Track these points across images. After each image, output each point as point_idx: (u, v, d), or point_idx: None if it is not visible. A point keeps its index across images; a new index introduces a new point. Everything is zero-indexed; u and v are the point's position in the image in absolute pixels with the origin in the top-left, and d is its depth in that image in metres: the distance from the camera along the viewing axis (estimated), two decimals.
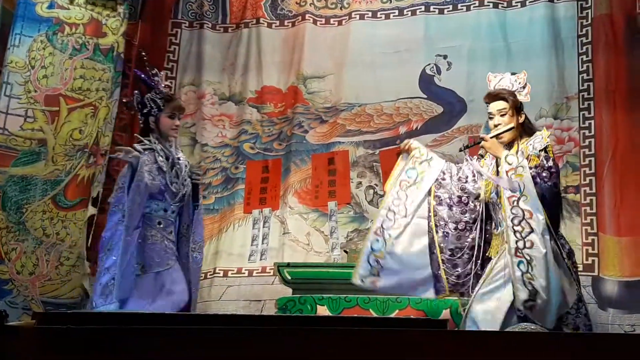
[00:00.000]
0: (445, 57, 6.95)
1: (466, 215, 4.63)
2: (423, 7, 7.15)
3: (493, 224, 4.58)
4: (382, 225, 4.59)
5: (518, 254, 4.20)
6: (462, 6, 7.05)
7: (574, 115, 6.53)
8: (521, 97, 4.69)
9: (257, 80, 7.32)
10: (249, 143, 7.20)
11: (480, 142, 4.60)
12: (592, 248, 6.18)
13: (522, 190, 4.26)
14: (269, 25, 7.46)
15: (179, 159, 4.90)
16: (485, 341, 2.43)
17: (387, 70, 7.01)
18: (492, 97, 4.68)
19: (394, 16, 7.23)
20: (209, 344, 2.34)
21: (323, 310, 5.74)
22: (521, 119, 4.65)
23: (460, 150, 4.87)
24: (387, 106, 7.01)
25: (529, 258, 4.18)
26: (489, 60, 6.81)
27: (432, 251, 4.57)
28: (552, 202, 4.36)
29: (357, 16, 7.28)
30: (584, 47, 6.61)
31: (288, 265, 6.01)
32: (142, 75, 5.00)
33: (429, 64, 6.96)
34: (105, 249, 4.57)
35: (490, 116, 4.65)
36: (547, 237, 4.22)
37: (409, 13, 7.20)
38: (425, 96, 6.91)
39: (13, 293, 6.22)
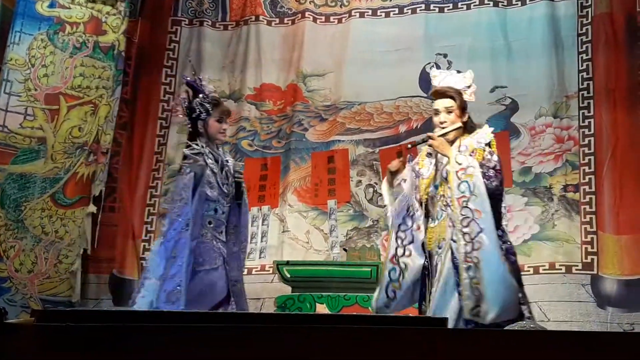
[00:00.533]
0: (445, 55, 6.95)
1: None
2: (423, 6, 7.15)
3: (429, 219, 4.49)
4: (396, 253, 4.52)
5: (467, 258, 4.14)
6: (462, 4, 7.04)
7: (573, 113, 6.52)
8: (466, 97, 4.56)
9: (256, 77, 7.32)
10: (247, 140, 7.20)
11: (428, 141, 4.49)
12: (592, 246, 6.18)
13: (472, 190, 4.20)
14: (269, 23, 7.46)
15: (227, 160, 4.92)
16: (484, 339, 2.43)
17: (387, 68, 7.01)
18: (440, 94, 4.57)
19: (394, 14, 7.22)
20: (208, 342, 2.34)
21: (322, 309, 5.74)
22: (465, 118, 4.55)
23: (408, 148, 4.78)
24: (387, 105, 7.01)
25: (477, 260, 4.11)
26: (489, 59, 6.81)
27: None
28: (495, 201, 4.29)
29: (357, 14, 7.28)
30: (584, 46, 6.60)
31: (287, 263, 6.01)
32: (190, 80, 5.02)
33: (429, 63, 6.94)
34: (169, 257, 4.56)
35: (436, 112, 4.54)
36: (495, 235, 4.16)
37: (409, 11, 7.19)
38: (425, 95, 6.90)
39: (12, 291, 6.22)
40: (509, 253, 4.29)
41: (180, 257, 4.58)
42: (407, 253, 4.51)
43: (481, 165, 4.28)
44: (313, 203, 6.95)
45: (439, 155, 4.48)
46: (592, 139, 6.40)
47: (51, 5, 6.67)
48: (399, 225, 4.56)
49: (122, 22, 6.85)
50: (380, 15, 7.26)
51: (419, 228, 4.51)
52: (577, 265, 6.18)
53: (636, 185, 6.14)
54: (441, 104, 4.51)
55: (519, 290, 4.28)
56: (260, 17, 7.46)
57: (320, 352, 2.29)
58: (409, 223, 4.55)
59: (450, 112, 4.49)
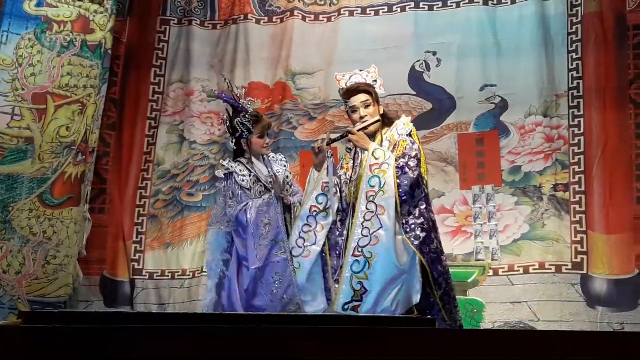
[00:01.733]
0: (434, 53, 6.94)
1: None
2: (412, 4, 7.13)
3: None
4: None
5: (356, 252, 4.20)
6: (451, 2, 7.03)
7: (563, 112, 6.52)
8: (377, 90, 4.68)
9: (244, 75, 7.30)
10: None
11: (347, 135, 4.56)
12: (581, 246, 6.18)
13: (381, 185, 4.27)
14: (257, 22, 7.44)
15: (277, 172, 5.04)
16: (473, 339, 2.42)
17: (376, 66, 6.98)
18: (352, 91, 4.63)
19: (383, 12, 7.21)
20: (196, 342, 2.33)
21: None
22: (381, 110, 4.66)
23: (328, 144, 4.65)
24: None
25: (369, 255, 4.17)
26: (478, 57, 6.81)
27: None
28: (417, 190, 4.36)
29: (346, 12, 7.27)
30: (574, 45, 6.60)
31: None
32: (229, 99, 5.12)
33: (418, 61, 6.94)
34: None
35: (354, 109, 4.60)
36: (392, 237, 4.22)
37: (398, 9, 7.18)
38: (414, 93, 6.89)
39: None
40: (431, 253, 4.30)
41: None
42: (305, 254, 4.58)
43: (403, 155, 4.37)
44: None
45: (359, 151, 4.55)
46: (581, 138, 6.40)
47: (38, 4, 6.62)
48: (302, 226, 4.63)
49: (109, 20, 6.81)
50: (370, 14, 7.25)
51: (322, 228, 4.58)
52: (567, 265, 6.18)
53: (626, 185, 6.14)
54: (356, 99, 4.58)
55: (431, 295, 4.27)
56: (249, 16, 7.44)
57: (308, 352, 2.28)
58: (313, 224, 4.62)
59: (368, 105, 4.57)
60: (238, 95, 5.12)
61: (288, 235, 4.81)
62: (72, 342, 2.34)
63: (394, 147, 4.47)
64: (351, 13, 7.27)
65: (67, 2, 6.71)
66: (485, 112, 6.71)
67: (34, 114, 6.47)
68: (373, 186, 4.27)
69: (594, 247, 6.13)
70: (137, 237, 7.05)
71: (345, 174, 4.64)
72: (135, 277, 6.92)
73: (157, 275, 6.93)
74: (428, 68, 6.92)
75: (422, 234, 4.32)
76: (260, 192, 4.97)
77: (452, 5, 7.02)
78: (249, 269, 4.77)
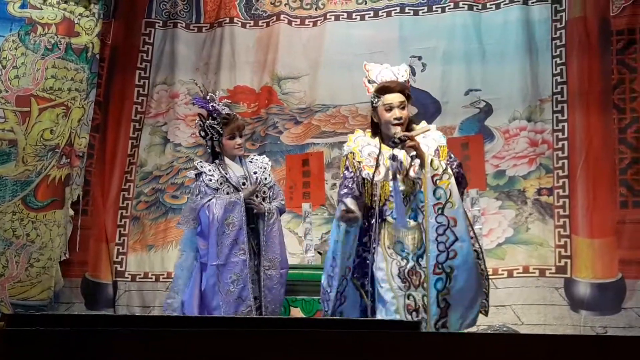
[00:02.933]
0: (419, 58, 6.95)
1: None
2: (398, 9, 7.15)
3: (383, 219, 4.25)
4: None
5: (437, 270, 3.98)
6: (437, 8, 7.05)
7: (547, 117, 6.55)
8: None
9: (230, 79, 7.29)
10: None
11: (406, 141, 4.09)
12: (565, 250, 6.21)
13: (447, 197, 4.01)
14: (243, 25, 7.43)
15: (254, 172, 5.10)
16: (457, 343, 2.42)
17: (362, 71, 6.98)
18: (389, 88, 4.29)
19: (369, 17, 7.22)
20: (181, 346, 2.32)
21: (296, 312, 5.72)
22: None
23: (393, 147, 4.16)
24: (362, 107, 6.99)
25: (449, 270, 3.97)
26: (463, 62, 6.83)
27: None
28: (463, 187, 4.24)
29: (332, 17, 7.27)
30: (558, 50, 6.63)
31: None
32: (202, 103, 5.18)
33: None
34: None
35: (390, 108, 4.23)
36: (469, 243, 4.04)
37: (384, 14, 7.19)
38: None
39: None
40: (478, 257, 4.21)
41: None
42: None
43: (453, 166, 4.14)
44: (288, 206, 6.88)
45: (382, 152, 4.24)
46: (565, 142, 6.43)
47: (22, 6, 6.60)
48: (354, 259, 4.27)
49: (96, 25, 6.79)
50: (356, 18, 7.25)
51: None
52: (551, 269, 6.21)
53: (609, 189, 6.17)
54: (395, 98, 4.26)
55: (484, 293, 4.19)
56: (235, 20, 7.43)
57: (294, 356, 2.27)
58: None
59: (404, 107, 4.26)
60: (210, 99, 5.15)
61: (259, 240, 4.96)
62: (55, 345, 2.32)
63: (435, 153, 4.19)
64: (337, 18, 7.27)
65: (52, 5, 6.68)
66: (470, 116, 6.74)
67: (18, 117, 6.44)
68: (439, 198, 4.00)
69: (578, 251, 6.16)
70: (119, 239, 7.02)
71: (367, 174, 4.25)
72: (117, 279, 6.90)
73: (139, 278, 6.90)
74: (413, 73, 6.92)
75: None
76: (228, 193, 4.99)
77: (437, 11, 7.04)
78: (208, 266, 4.85)
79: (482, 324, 6.07)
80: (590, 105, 6.36)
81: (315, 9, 7.38)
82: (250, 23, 7.45)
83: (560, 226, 6.28)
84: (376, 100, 4.32)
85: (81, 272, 6.86)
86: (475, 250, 4.19)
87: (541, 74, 6.64)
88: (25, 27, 6.59)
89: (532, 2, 6.78)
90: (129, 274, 6.93)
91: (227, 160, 5.11)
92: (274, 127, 7.13)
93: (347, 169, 4.38)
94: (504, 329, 5.94)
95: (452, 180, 4.03)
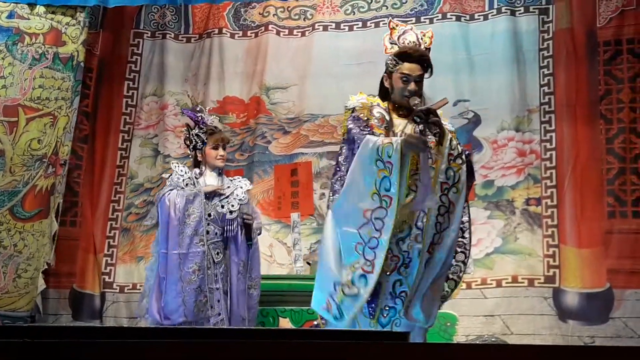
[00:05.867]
0: None
1: None
2: (386, 20, 7.14)
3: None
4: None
5: (431, 249, 3.73)
6: (425, 19, 7.07)
7: (535, 127, 6.58)
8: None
9: (219, 90, 7.29)
10: None
11: (429, 115, 3.76)
12: (554, 260, 6.22)
13: (455, 180, 3.72)
14: (232, 36, 7.43)
15: (227, 187, 5.16)
16: (446, 353, 2.42)
17: (351, 81, 6.97)
18: (410, 57, 3.96)
19: (357, 28, 7.23)
20: (169, 357, 2.31)
21: (285, 323, 5.71)
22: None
23: (418, 122, 3.81)
24: None
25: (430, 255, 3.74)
26: (451, 72, 6.83)
27: None
28: (470, 182, 3.94)
29: (321, 27, 7.28)
30: (545, 61, 6.66)
31: None
32: (188, 113, 5.33)
33: None
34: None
35: (406, 79, 3.95)
36: (455, 237, 3.81)
37: (372, 25, 7.20)
38: None
39: None
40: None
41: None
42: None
43: (468, 156, 3.89)
44: (276, 216, 6.93)
45: (395, 121, 3.95)
46: (553, 152, 6.46)
47: (10, 16, 6.58)
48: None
49: (82, 32, 6.77)
50: (344, 29, 7.27)
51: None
52: (540, 279, 6.22)
53: (597, 199, 6.20)
54: (414, 70, 3.97)
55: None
56: (224, 30, 7.43)
57: None
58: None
59: (419, 80, 3.98)
60: (199, 110, 5.28)
61: (247, 256, 5.13)
62: (44, 357, 2.31)
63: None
64: (325, 28, 7.28)
65: (40, 15, 6.67)
66: (458, 127, 6.72)
67: (5, 127, 6.42)
68: (448, 179, 3.70)
69: (566, 261, 6.17)
70: (108, 250, 6.99)
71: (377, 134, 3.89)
72: (105, 290, 6.86)
73: (128, 289, 6.86)
74: None
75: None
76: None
77: (425, 22, 7.05)
78: (169, 255, 4.93)
79: (472, 334, 6.10)
80: (578, 115, 6.40)
81: (304, 20, 7.39)
82: (239, 33, 7.45)
83: (548, 236, 6.30)
84: (393, 65, 4.02)
85: (69, 284, 6.83)
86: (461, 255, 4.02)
87: (529, 84, 6.67)
88: (12, 37, 6.58)
89: (520, 14, 6.81)
90: (117, 285, 6.90)
91: (206, 171, 5.21)
92: (262, 137, 7.13)
93: (356, 119, 4.00)
94: (493, 339, 5.95)
95: (464, 167, 3.77)
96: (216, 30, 7.43)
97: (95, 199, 7.06)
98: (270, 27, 7.33)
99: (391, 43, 4.13)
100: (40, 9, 6.66)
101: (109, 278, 6.93)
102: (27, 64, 6.56)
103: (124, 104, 7.32)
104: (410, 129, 3.91)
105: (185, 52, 7.48)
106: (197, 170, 5.19)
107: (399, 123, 3.99)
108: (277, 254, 6.75)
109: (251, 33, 7.43)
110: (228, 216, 5.06)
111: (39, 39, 6.63)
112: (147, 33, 7.50)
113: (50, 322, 6.58)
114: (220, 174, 5.26)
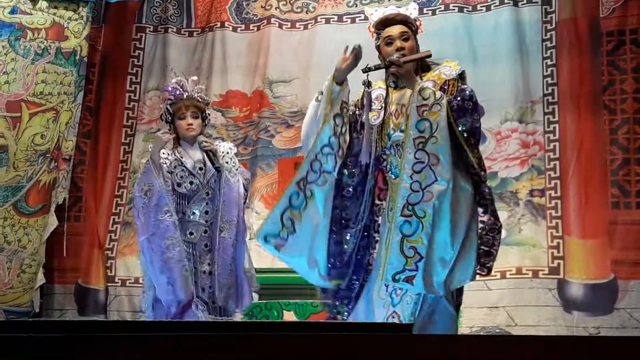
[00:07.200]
0: None
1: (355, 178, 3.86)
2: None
3: (389, 174, 3.80)
4: (306, 177, 3.79)
5: (406, 211, 3.51)
6: (427, 10, 7.04)
7: (538, 119, 6.56)
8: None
9: (222, 84, 7.28)
10: None
11: (390, 66, 3.73)
12: (558, 251, 6.21)
13: (432, 130, 3.51)
14: (234, 29, 7.42)
15: (204, 158, 4.86)
16: (450, 344, 2.42)
17: (353, 74, 6.97)
18: (392, 20, 3.88)
19: (359, 20, 7.21)
20: (173, 351, 2.31)
21: (290, 316, 5.72)
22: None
23: (364, 72, 3.82)
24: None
25: (422, 214, 3.48)
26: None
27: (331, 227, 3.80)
28: (475, 139, 3.67)
29: (323, 20, 7.26)
30: (548, 51, 6.64)
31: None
32: (167, 89, 5.06)
33: None
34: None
35: (390, 40, 3.85)
36: (453, 187, 3.52)
37: None
38: None
39: None
40: (487, 212, 3.74)
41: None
42: (320, 182, 3.78)
43: (456, 97, 3.65)
44: None
45: (390, 92, 3.85)
46: (557, 144, 6.44)
47: (12, 12, 6.59)
48: (323, 147, 3.79)
49: (84, 27, 6.77)
50: (346, 21, 7.25)
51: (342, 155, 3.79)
52: (544, 270, 6.21)
53: (601, 190, 6.19)
54: (394, 30, 3.87)
55: (478, 262, 3.72)
56: (226, 24, 7.42)
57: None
58: (335, 147, 3.80)
59: (407, 38, 3.85)
60: (175, 82, 5.01)
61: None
62: (49, 352, 2.31)
63: (442, 89, 3.71)
64: (327, 21, 7.27)
65: (42, 10, 6.67)
66: None
67: (9, 122, 6.43)
68: (422, 131, 3.50)
69: (571, 252, 6.17)
70: (109, 244, 6.98)
71: (369, 118, 3.85)
72: (108, 284, 6.86)
73: (129, 283, 6.87)
74: None
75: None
76: (182, 177, 4.83)
77: (428, 13, 7.03)
78: (140, 246, 4.78)
79: (476, 325, 6.10)
80: (581, 106, 6.38)
81: (306, 12, 7.37)
82: (241, 27, 7.44)
83: (552, 227, 6.29)
84: (377, 36, 3.95)
85: (74, 279, 6.83)
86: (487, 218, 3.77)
87: (532, 75, 6.65)
88: (15, 33, 6.58)
89: (522, 4, 6.79)
90: (118, 279, 6.89)
91: (183, 144, 4.96)
92: (265, 131, 7.12)
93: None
94: (497, 330, 5.95)
95: (443, 112, 3.55)
96: (218, 24, 7.42)
97: (99, 194, 7.05)
98: (272, 20, 7.32)
99: (374, 27, 4.06)
100: (43, 4, 6.66)
101: (110, 272, 6.92)
102: (29, 59, 6.56)
103: (126, 99, 7.31)
104: (407, 96, 3.80)
105: (187, 46, 7.47)
106: (179, 149, 4.91)
107: (397, 95, 3.88)
108: None
109: (253, 26, 7.42)
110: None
111: (41, 34, 6.63)
112: (149, 27, 7.49)
113: (57, 317, 6.59)
114: (199, 145, 4.91)
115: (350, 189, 3.86)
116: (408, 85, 3.73)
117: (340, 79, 3.89)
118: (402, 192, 3.55)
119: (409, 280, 3.52)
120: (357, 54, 3.86)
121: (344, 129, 3.84)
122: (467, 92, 3.67)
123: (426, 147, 3.52)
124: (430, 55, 3.89)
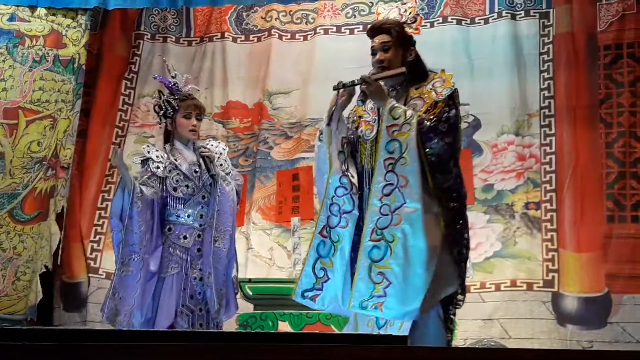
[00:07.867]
0: None
1: None
2: None
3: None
4: (328, 223, 3.79)
5: (374, 236, 3.46)
6: (425, 22, 7.02)
7: (535, 132, 6.57)
8: (411, 30, 3.93)
9: (223, 95, 7.27)
10: None
11: (361, 84, 3.73)
12: (553, 264, 6.21)
13: (402, 151, 3.46)
14: (234, 40, 7.41)
15: (200, 159, 4.77)
16: (445, 357, 2.42)
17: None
18: (375, 29, 3.87)
19: (358, 31, 7.21)
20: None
21: (285, 327, 5.72)
22: (410, 57, 3.90)
23: (335, 89, 3.92)
24: None
25: (390, 239, 3.42)
26: (452, 76, 6.82)
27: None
28: (449, 164, 3.60)
29: (322, 31, 7.26)
30: (546, 65, 6.66)
31: (249, 280, 5.97)
32: (161, 78, 4.99)
33: None
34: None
35: (373, 52, 3.87)
36: (423, 210, 3.44)
37: None
38: None
39: None
40: (459, 243, 3.66)
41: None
42: (342, 224, 3.74)
43: (430, 117, 3.58)
44: (277, 220, 6.91)
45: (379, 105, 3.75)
46: (553, 157, 6.45)
47: (11, 19, 6.60)
48: (336, 189, 3.77)
49: (83, 35, 6.78)
50: (345, 32, 7.26)
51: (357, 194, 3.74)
52: (538, 283, 6.21)
53: (597, 203, 6.19)
54: (377, 40, 3.86)
55: (448, 285, 3.62)
56: (226, 34, 7.41)
57: None
58: (348, 186, 3.77)
59: (387, 49, 3.83)
60: (173, 76, 4.95)
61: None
62: None
63: (428, 108, 3.66)
64: (326, 31, 7.27)
65: (40, 17, 6.68)
66: None
67: (5, 129, 6.43)
68: (392, 152, 3.47)
69: (565, 265, 6.17)
70: (95, 237, 6.88)
71: (362, 131, 3.84)
72: (90, 275, 6.74)
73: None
74: None
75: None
76: (178, 181, 4.77)
77: (426, 25, 7.02)
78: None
79: (470, 337, 6.09)
80: (578, 119, 6.39)
81: (306, 23, 7.38)
82: (241, 38, 7.43)
83: (547, 240, 6.29)
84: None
85: (58, 277, 6.75)
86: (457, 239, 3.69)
87: (529, 88, 6.66)
88: (13, 40, 6.59)
89: (520, 17, 6.80)
90: (103, 271, 6.74)
91: (178, 144, 4.86)
92: (264, 143, 7.11)
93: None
94: (492, 343, 5.95)
95: (413, 132, 3.49)
96: (218, 35, 7.41)
97: (84, 188, 6.93)
98: (273, 31, 7.31)
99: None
100: (41, 11, 6.67)
101: (95, 264, 6.80)
102: (27, 66, 6.57)
103: (120, 102, 7.24)
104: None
105: (186, 55, 7.46)
106: (172, 150, 4.81)
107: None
108: (277, 257, 6.74)
109: (254, 37, 7.41)
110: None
111: (39, 42, 6.64)
112: (147, 35, 7.47)
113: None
114: (193, 146, 4.84)
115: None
116: (378, 103, 3.71)
117: (328, 122, 3.94)
118: (371, 216, 3.51)
119: (377, 307, 3.45)
120: (349, 92, 3.89)
121: (349, 163, 3.87)
122: (446, 113, 3.63)
123: (395, 169, 3.48)
124: (404, 73, 3.81)
